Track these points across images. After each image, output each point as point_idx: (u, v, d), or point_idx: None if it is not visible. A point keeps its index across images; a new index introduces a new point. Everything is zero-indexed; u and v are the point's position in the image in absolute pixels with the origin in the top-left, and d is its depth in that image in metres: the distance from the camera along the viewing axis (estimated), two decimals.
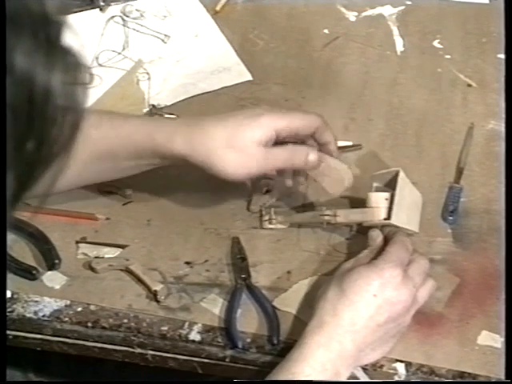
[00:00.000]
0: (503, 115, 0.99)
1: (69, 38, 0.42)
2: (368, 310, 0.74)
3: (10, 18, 0.39)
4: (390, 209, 0.82)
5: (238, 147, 0.79)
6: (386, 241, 0.81)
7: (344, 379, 0.73)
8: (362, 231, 0.85)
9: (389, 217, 0.82)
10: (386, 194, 0.83)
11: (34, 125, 0.41)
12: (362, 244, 0.84)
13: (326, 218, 0.85)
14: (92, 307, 0.82)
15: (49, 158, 0.43)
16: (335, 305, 0.74)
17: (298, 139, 0.84)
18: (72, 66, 0.43)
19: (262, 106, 0.87)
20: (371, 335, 0.74)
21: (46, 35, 0.41)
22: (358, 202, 0.87)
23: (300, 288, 0.83)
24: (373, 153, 0.96)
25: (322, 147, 0.84)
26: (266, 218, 0.88)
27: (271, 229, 0.88)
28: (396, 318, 0.75)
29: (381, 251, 0.79)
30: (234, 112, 0.83)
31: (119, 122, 0.83)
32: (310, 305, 0.79)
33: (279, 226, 0.88)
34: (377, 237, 0.82)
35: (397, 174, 0.84)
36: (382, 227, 0.83)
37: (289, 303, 0.82)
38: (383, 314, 0.74)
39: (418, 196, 0.87)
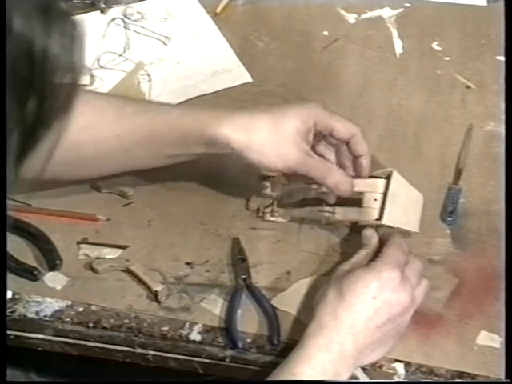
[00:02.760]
0: (502, 116, 1.00)
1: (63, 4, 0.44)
2: (367, 312, 0.74)
3: None
4: (382, 209, 0.83)
5: (279, 137, 0.80)
6: (382, 242, 0.81)
7: (344, 380, 0.73)
8: (358, 231, 0.85)
9: (380, 217, 0.82)
10: (375, 195, 0.83)
11: (34, 84, 0.42)
12: (361, 245, 0.84)
13: (326, 214, 0.86)
14: (93, 307, 0.83)
15: (50, 118, 0.44)
16: (335, 308, 0.74)
17: (331, 143, 0.86)
18: (68, 27, 0.44)
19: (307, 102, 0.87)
20: (371, 336, 0.74)
21: None
22: (357, 201, 0.86)
23: (299, 288, 0.83)
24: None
25: (355, 159, 0.85)
26: (268, 209, 0.88)
27: (272, 221, 0.88)
28: (395, 319, 0.75)
29: (377, 252, 0.79)
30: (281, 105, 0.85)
31: (166, 107, 0.84)
32: (308, 305, 0.80)
33: (280, 220, 0.89)
34: (371, 236, 0.82)
35: (389, 175, 0.84)
36: (376, 227, 0.83)
37: (287, 303, 0.82)
38: (382, 316, 0.74)
39: (418, 196, 0.87)
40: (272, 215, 0.89)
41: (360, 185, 0.85)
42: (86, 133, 0.81)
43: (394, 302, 0.75)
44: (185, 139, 0.81)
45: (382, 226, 0.83)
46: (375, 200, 0.83)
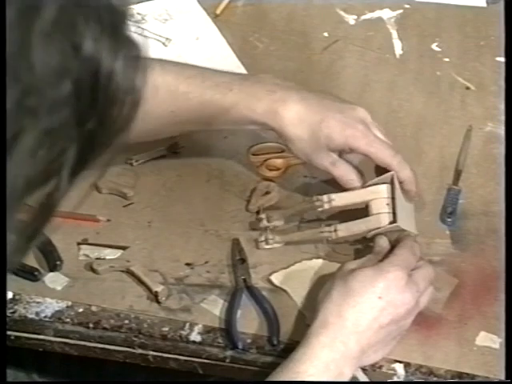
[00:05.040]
0: (501, 117, 1.00)
1: (131, 27, 0.45)
2: (372, 311, 0.74)
3: (79, 4, 0.41)
4: (393, 213, 0.82)
5: (321, 137, 0.84)
6: (394, 245, 0.80)
7: (347, 379, 0.73)
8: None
9: (395, 220, 0.81)
10: (385, 200, 0.83)
11: (97, 105, 0.43)
12: (362, 245, 0.85)
13: (326, 234, 0.84)
14: (93, 308, 0.83)
15: (109, 137, 0.45)
16: (340, 305, 0.74)
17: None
18: (134, 51, 0.45)
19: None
20: (374, 336, 0.74)
21: (112, 22, 0.43)
22: (356, 214, 0.85)
23: (300, 268, 0.84)
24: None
25: (401, 184, 0.85)
26: (263, 238, 0.87)
27: (268, 249, 0.87)
28: (398, 320, 0.75)
29: (388, 254, 0.79)
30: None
31: (222, 90, 0.87)
32: (303, 286, 0.81)
33: (276, 246, 0.87)
34: (384, 243, 0.81)
35: (392, 179, 0.84)
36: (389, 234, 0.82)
37: (285, 281, 0.83)
38: (387, 316, 0.74)
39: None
40: (267, 243, 0.87)
41: (364, 194, 0.84)
42: (142, 107, 0.81)
43: (398, 302, 0.75)
44: (235, 121, 0.86)
45: (393, 230, 0.81)
46: (387, 204, 0.82)
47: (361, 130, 0.84)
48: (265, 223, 0.87)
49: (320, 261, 0.85)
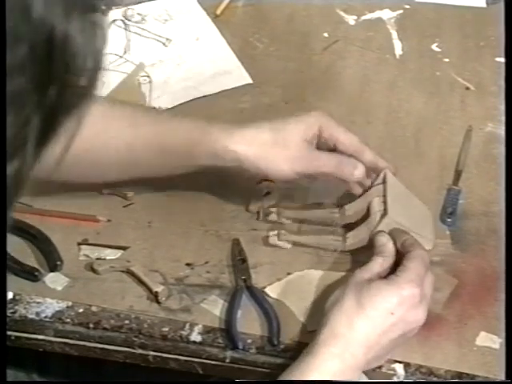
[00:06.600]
0: (501, 118, 1.00)
1: None
2: (383, 326, 0.73)
3: None
4: (385, 209, 0.83)
5: (283, 142, 0.82)
6: (404, 252, 0.78)
7: None
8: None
9: (385, 213, 0.82)
10: (380, 198, 0.84)
11: (55, 70, 0.42)
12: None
13: (336, 242, 0.85)
14: (93, 308, 0.83)
15: (70, 104, 0.44)
16: (351, 317, 0.73)
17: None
18: (90, 12, 0.43)
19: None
20: (382, 350, 0.74)
21: None
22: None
23: (294, 279, 0.84)
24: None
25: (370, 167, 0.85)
26: (275, 232, 0.87)
27: (275, 246, 0.87)
28: (407, 333, 0.75)
29: (397, 260, 0.78)
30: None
31: (177, 119, 0.86)
32: (301, 296, 0.81)
33: (286, 246, 0.87)
34: (386, 241, 0.80)
35: (384, 177, 0.84)
36: (394, 234, 0.81)
37: (281, 293, 0.83)
38: (397, 332, 0.74)
39: (425, 210, 0.88)
40: (279, 239, 0.87)
41: (363, 199, 0.85)
42: (98, 139, 0.82)
43: (411, 319, 0.74)
44: (193, 151, 0.83)
45: (391, 226, 0.81)
46: (382, 202, 0.83)
47: (327, 118, 0.84)
48: (274, 217, 0.88)
49: (313, 271, 0.85)
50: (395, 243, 0.80)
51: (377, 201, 0.84)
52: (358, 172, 0.83)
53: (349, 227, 0.86)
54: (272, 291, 0.83)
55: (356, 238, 0.84)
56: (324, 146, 0.85)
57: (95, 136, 0.81)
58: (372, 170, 0.86)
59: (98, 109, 0.79)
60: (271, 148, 0.82)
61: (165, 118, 0.88)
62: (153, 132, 0.84)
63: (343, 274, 0.84)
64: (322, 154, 0.84)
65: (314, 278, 0.84)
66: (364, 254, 0.83)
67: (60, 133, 0.45)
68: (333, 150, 0.85)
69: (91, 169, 0.85)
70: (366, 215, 0.85)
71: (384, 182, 0.84)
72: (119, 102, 0.86)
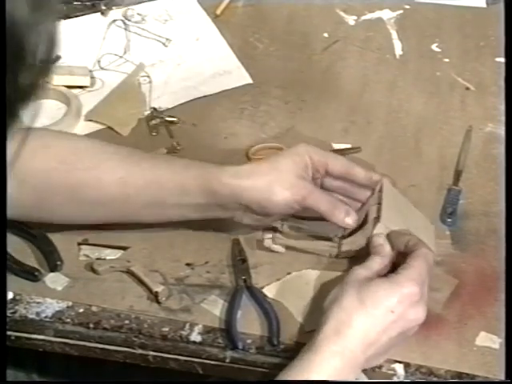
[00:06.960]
0: (501, 118, 1.00)
1: None
2: (383, 324, 0.73)
3: None
4: (378, 216, 0.83)
5: (279, 172, 0.82)
6: (408, 251, 0.78)
7: None
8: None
9: (378, 220, 0.81)
10: (375, 206, 0.84)
11: (7, 57, 0.42)
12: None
13: (329, 249, 0.85)
14: (94, 308, 0.83)
15: (24, 94, 0.44)
16: (351, 315, 0.73)
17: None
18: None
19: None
20: (381, 347, 0.74)
21: None
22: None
23: (292, 279, 0.84)
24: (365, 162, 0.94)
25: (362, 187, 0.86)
26: (269, 236, 0.87)
27: (270, 250, 0.86)
28: (406, 332, 0.75)
29: (397, 259, 0.78)
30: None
31: (171, 158, 0.87)
32: (299, 296, 0.80)
33: (280, 250, 0.86)
34: (382, 242, 0.80)
35: (381, 186, 0.84)
36: (394, 235, 0.81)
37: (278, 293, 0.82)
38: (396, 330, 0.74)
39: (426, 221, 0.88)
40: (274, 242, 0.86)
41: (363, 208, 0.85)
42: (90, 174, 0.81)
43: (411, 317, 0.74)
44: (187, 188, 0.82)
45: (377, 226, 0.81)
46: (377, 210, 0.83)
47: (313, 147, 0.85)
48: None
49: (310, 271, 0.84)
50: (393, 245, 0.80)
51: (373, 209, 0.84)
52: (350, 220, 0.83)
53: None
54: (269, 291, 0.83)
55: (352, 245, 0.84)
56: (318, 177, 0.85)
57: (88, 170, 0.81)
58: (368, 186, 0.86)
59: (91, 146, 0.82)
60: (268, 177, 0.81)
61: (159, 156, 0.87)
62: (146, 166, 0.83)
63: (341, 273, 0.83)
64: (317, 189, 0.84)
65: (311, 278, 0.84)
66: (361, 258, 0.82)
67: (23, 111, 0.44)
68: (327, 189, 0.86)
69: (82, 207, 0.83)
70: (363, 222, 0.84)
71: (380, 190, 0.84)
72: (115, 145, 0.86)
